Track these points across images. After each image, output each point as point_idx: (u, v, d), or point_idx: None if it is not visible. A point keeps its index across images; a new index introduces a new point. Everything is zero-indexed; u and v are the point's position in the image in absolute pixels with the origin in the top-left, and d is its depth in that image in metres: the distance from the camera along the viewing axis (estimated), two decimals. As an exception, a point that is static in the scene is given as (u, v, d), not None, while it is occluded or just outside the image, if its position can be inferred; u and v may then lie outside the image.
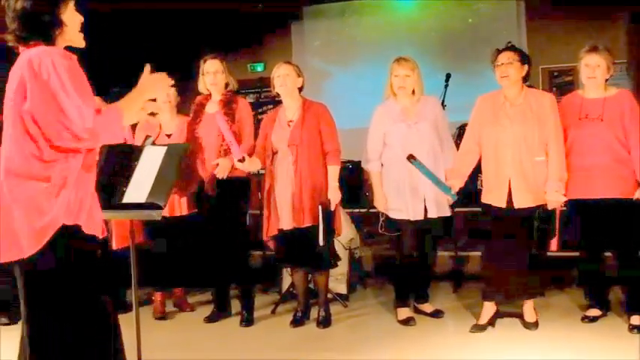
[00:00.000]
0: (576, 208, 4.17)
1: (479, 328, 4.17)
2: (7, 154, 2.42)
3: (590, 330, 4.13)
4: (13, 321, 4.71)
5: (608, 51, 4.17)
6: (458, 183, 4.18)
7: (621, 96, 4.13)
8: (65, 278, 2.41)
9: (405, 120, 4.34)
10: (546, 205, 4.00)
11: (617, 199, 4.04)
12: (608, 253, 4.29)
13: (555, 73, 8.30)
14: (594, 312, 4.28)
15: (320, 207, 4.25)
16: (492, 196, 4.10)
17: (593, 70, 4.11)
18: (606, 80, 4.15)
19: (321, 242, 4.25)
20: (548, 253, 4.19)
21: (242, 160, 4.11)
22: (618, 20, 7.74)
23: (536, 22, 8.25)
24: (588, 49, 4.15)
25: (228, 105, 4.52)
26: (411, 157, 4.03)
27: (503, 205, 4.03)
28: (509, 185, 4.02)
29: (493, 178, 4.10)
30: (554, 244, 4.11)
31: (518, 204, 4.01)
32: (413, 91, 4.36)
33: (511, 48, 4.14)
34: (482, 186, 4.29)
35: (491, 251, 4.24)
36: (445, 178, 4.22)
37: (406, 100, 4.37)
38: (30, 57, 2.37)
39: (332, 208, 4.33)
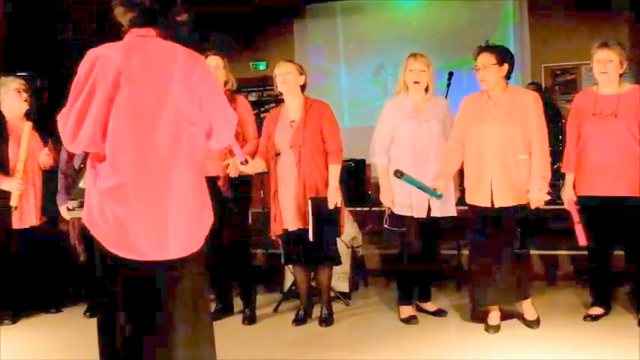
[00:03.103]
0: (589, 204, 4.16)
1: (494, 328, 4.10)
2: (183, 151, 2.39)
3: (592, 328, 4.13)
4: (15, 322, 4.71)
5: (621, 46, 4.14)
6: (443, 183, 4.15)
7: (636, 92, 4.10)
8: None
9: (416, 117, 4.34)
10: (528, 204, 3.97)
11: (630, 197, 4.01)
12: (617, 252, 4.28)
13: (557, 72, 8.31)
14: (597, 310, 4.27)
15: (310, 201, 4.24)
16: (476, 196, 4.06)
17: (605, 65, 4.09)
18: (620, 76, 4.13)
19: (310, 237, 4.24)
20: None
21: (245, 163, 4.07)
22: (621, 19, 7.74)
23: (539, 20, 8.25)
24: (599, 44, 4.13)
25: None
26: (398, 173, 4.03)
27: (489, 204, 4.00)
28: (492, 184, 3.99)
29: (476, 178, 4.06)
30: (582, 237, 4.10)
31: (498, 202, 3.97)
32: (425, 89, 4.37)
33: (487, 49, 4.03)
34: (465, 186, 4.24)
35: (479, 252, 4.16)
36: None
37: (418, 97, 4.38)
38: (196, 55, 2.46)
39: (331, 207, 4.31)
